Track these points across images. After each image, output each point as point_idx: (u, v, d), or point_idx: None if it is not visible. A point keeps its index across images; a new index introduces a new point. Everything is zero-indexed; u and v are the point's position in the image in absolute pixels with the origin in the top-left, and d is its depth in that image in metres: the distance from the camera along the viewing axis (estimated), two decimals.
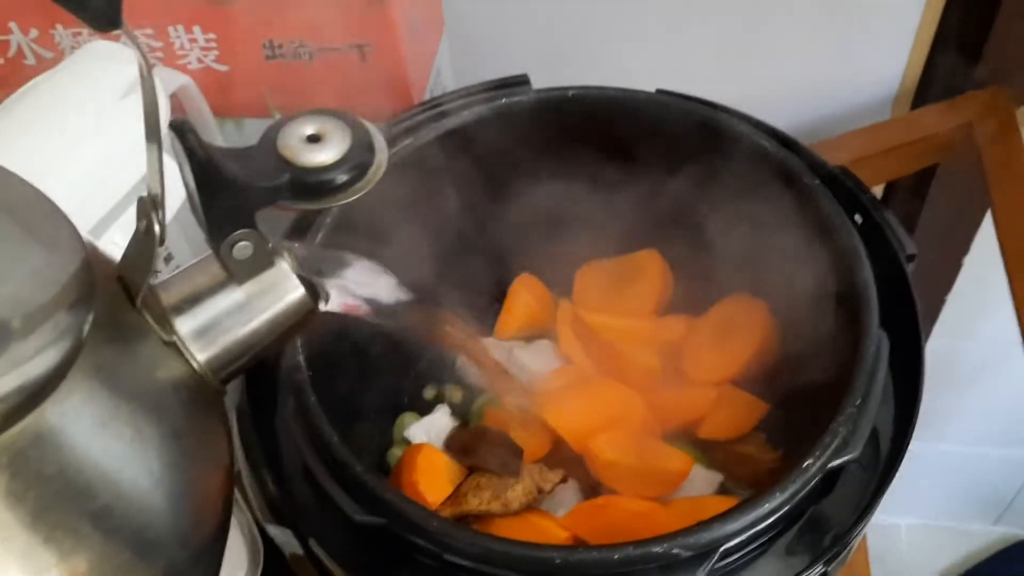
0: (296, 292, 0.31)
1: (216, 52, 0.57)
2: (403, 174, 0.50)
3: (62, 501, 0.24)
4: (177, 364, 0.29)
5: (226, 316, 0.30)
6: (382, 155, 0.31)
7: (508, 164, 0.54)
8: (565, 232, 0.58)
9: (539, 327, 0.59)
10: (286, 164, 0.29)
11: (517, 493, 0.49)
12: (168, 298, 0.30)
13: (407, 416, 0.56)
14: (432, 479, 0.50)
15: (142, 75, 0.27)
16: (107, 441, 0.26)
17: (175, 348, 0.29)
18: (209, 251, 0.30)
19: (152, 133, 0.28)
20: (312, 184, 0.29)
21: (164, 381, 0.29)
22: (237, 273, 0.30)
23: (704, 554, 0.36)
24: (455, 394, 0.59)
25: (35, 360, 0.23)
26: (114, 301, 0.28)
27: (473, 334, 0.52)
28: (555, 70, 0.56)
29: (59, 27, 0.58)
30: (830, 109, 0.71)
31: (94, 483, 0.25)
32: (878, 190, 0.76)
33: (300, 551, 0.43)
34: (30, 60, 0.60)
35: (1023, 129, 0.67)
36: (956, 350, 0.92)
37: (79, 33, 0.58)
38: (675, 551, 0.36)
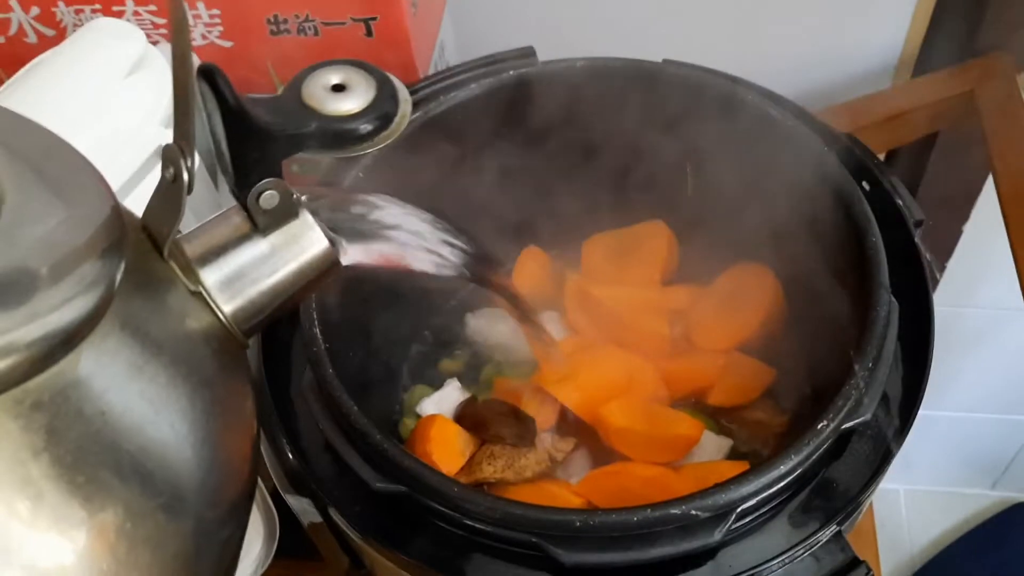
0: (320, 243, 0.31)
1: (220, 28, 0.57)
2: (411, 148, 0.50)
3: (93, 453, 0.24)
4: (204, 315, 0.29)
5: (251, 267, 0.30)
6: (406, 106, 0.31)
7: (514, 137, 0.54)
8: (571, 204, 0.58)
9: (545, 299, 0.60)
10: (312, 113, 0.29)
11: (530, 462, 0.49)
12: (192, 250, 0.29)
13: (419, 388, 0.57)
14: (445, 450, 0.50)
15: (174, 9, 0.27)
16: (138, 391, 0.25)
17: (201, 299, 0.29)
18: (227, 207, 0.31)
19: (183, 73, 0.27)
20: (338, 132, 0.30)
21: (192, 331, 0.28)
22: (262, 223, 0.30)
23: (721, 515, 0.37)
24: (457, 364, 0.59)
25: (64, 308, 0.23)
26: (140, 252, 0.28)
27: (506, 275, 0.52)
28: (559, 43, 0.56)
29: (60, 4, 0.58)
30: (831, 78, 0.71)
31: (124, 435, 0.25)
32: (879, 158, 0.76)
33: (319, 519, 0.43)
34: (32, 39, 0.60)
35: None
36: (956, 317, 0.93)
37: (81, 10, 0.58)
38: (693, 512, 0.36)
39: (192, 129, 0.27)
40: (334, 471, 0.42)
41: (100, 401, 0.24)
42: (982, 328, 0.95)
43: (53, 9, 0.58)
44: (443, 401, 0.55)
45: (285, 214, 0.30)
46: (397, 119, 0.31)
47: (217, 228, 0.30)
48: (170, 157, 0.28)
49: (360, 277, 0.47)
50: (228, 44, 0.58)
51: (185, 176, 0.27)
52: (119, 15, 0.58)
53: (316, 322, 0.43)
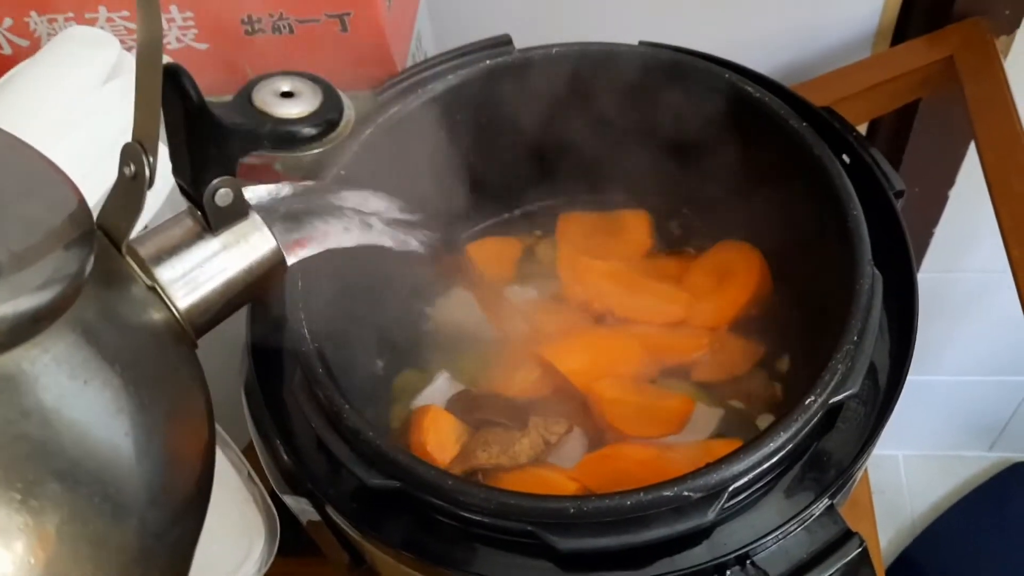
0: (268, 243, 0.33)
1: (195, 31, 0.57)
2: (391, 141, 0.50)
3: (32, 450, 0.23)
4: (158, 312, 0.30)
5: (204, 265, 0.31)
6: (350, 112, 0.33)
7: (496, 125, 0.54)
8: (551, 187, 0.58)
9: (508, 275, 0.60)
10: (264, 116, 0.31)
11: (524, 446, 0.50)
12: (146, 251, 0.31)
13: (407, 374, 0.56)
14: (439, 439, 0.50)
15: (141, 6, 0.27)
16: (87, 389, 0.25)
17: (156, 295, 0.30)
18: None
19: (149, 72, 0.28)
20: (288, 134, 0.32)
21: (145, 329, 0.29)
22: (214, 222, 0.31)
23: (713, 495, 0.37)
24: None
25: (23, 298, 0.23)
26: (100, 251, 0.29)
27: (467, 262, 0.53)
28: (534, 29, 0.56)
29: (33, 14, 0.57)
30: (811, 50, 0.71)
31: (68, 432, 0.24)
32: (862, 128, 0.76)
33: (317, 518, 0.44)
34: (6, 50, 0.60)
35: (1003, 59, 0.67)
36: (945, 282, 0.94)
37: (54, 19, 0.58)
38: (685, 493, 0.37)
39: (156, 127, 0.28)
40: (329, 469, 0.42)
41: (46, 397, 0.24)
42: (973, 292, 0.95)
43: (26, 19, 0.58)
44: (435, 393, 0.56)
45: (236, 213, 0.32)
46: (343, 124, 0.33)
47: (169, 230, 0.32)
48: (131, 155, 0.29)
49: (342, 271, 0.47)
50: (203, 47, 0.57)
51: (147, 172, 0.28)
52: (92, 23, 0.57)
53: (304, 321, 0.43)
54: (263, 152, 0.32)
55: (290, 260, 0.34)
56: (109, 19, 0.57)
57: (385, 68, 0.58)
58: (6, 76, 0.53)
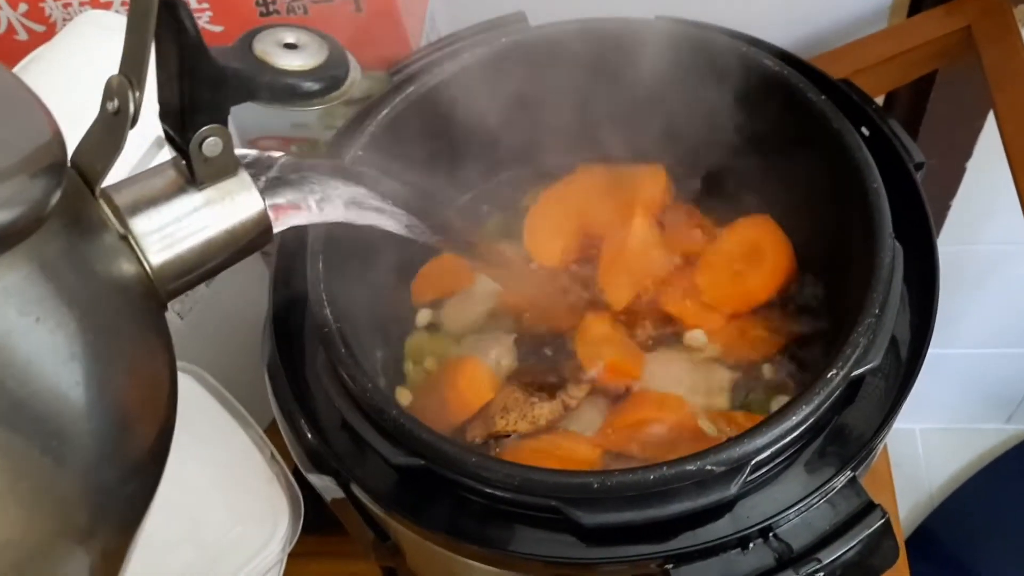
0: (255, 205, 0.30)
1: (210, 13, 0.57)
2: (406, 122, 0.50)
3: None
4: (127, 264, 0.28)
5: (183, 220, 0.29)
6: (355, 73, 0.31)
7: (509, 104, 0.54)
8: (568, 166, 0.58)
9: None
10: (264, 65, 0.29)
11: (544, 411, 0.50)
12: (122, 199, 0.28)
13: (416, 337, 0.56)
14: (476, 386, 0.51)
15: None
16: (40, 329, 0.24)
17: (128, 246, 0.28)
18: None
19: (143, 1, 0.26)
20: (288, 86, 0.30)
21: (111, 279, 0.27)
22: (200, 174, 0.29)
23: (736, 469, 0.37)
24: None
25: None
26: (69, 189, 0.27)
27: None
28: (549, 6, 0.56)
29: (48, 0, 0.58)
30: (827, 22, 0.71)
31: (8, 371, 0.23)
32: (879, 100, 0.75)
33: (342, 496, 0.44)
34: (22, 35, 0.60)
35: (1022, 28, 0.66)
36: (963, 255, 0.93)
37: (69, 4, 0.58)
38: (708, 467, 0.37)
39: (146, 60, 0.26)
40: (353, 448, 0.42)
41: None
42: (990, 264, 0.95)
43: (41, 5, 0.58)
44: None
45: (224, 168, 0.30)
46: (347, 83, 0.31)
47: (150, 179, 0.29)
48: (116, 89, 0.27)
49: (356, 249, 0.47)
50: (219, 29, 0.58)
51: (131, 108, 0.26)
52: (107, 7, 0.58)
53: (326, 303, 0.43)
54: (260, 103, 0.30)
55: (277, 227, 0.32)
56: (124, 2, 0.57)
57: (400, 48, 0.58)
58: (23, 62, 0.53)
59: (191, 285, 0.30)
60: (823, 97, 0.47)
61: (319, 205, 0.34)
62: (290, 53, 0.30)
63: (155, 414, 0.28)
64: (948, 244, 0.89)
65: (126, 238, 0.28)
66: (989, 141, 0.75)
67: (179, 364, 0.55)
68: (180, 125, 0.28)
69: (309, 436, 0.43)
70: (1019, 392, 1.14)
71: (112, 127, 0.27)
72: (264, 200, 0.31)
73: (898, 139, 0.47)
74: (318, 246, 0.45)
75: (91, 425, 0.25)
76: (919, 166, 0.47)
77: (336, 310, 0.43)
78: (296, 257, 0.47)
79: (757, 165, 0.50)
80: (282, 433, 0.45)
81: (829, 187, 0.47)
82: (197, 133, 0.28)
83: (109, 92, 0.27)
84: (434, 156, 0.52)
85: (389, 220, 0.38)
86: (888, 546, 0.38)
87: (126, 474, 0.26)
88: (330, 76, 0.30)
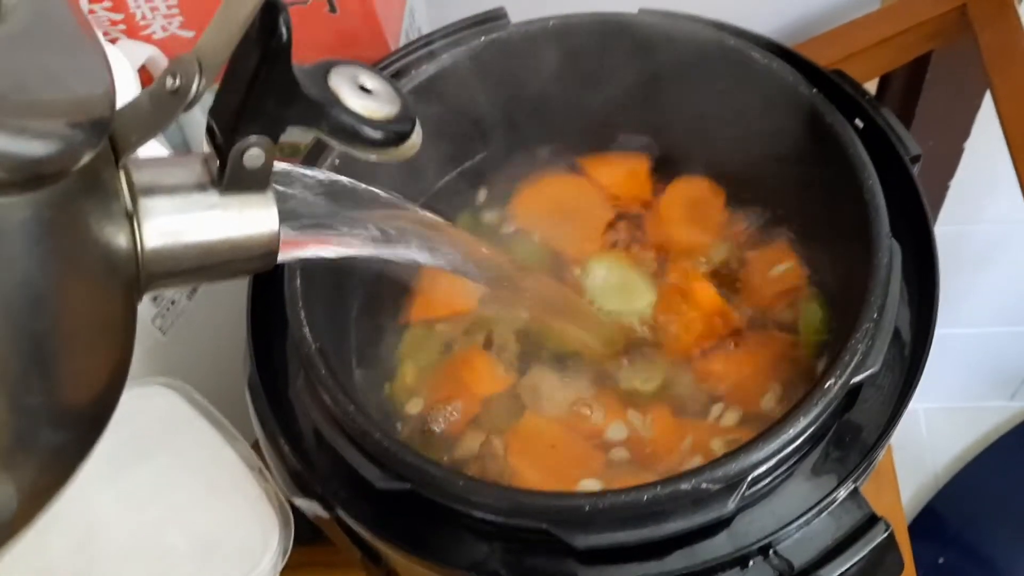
0: (271, 225, 0.29)
1: (180, 18, 0.55)
2: None
3: None
4: (123, 239, 0.27)
5: (192, 214, 0.28)
6: (417, 137, 0.30)
7: (491, 102, 0.52)
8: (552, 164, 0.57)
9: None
10: (335, 98, 0.29)
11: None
12: (140, 177, 0.27)
13: (412, 331, 0.55)
14: (481, 376, 0.50)
15: None
16: (15, 266, 0.23)
17: (129, 223, 0.27)
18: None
19: None
20: (353, 128, 0.29)
21: (102, 246, 0.26)
22: (229, 178, 0.28)
23: (733, 485, 0.36)
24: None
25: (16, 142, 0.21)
26: (103, 149, 0.26)
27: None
28: (529, 2, 0.54)
29: None
30: (817, 5, 0.69)
31: None
32: (873, 83, 0.74)
33: (328, 516, 0.43)
34: None
35: (1018, 5, 0.65)
36: (963, 235, 0.92)
37: None
38: (704, 486, 0.35)
39: (227, 52, 0.25)
40: (338, 471, 0.41)
41: None
42: (991, 243, 0.94)
43: None
44: None
45: (255, 182, 0.29)
46: (407, 144, 0.30)
47: (174, 166, 0.29)
48: (183, 68, 0.26)
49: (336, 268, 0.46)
50: (190, 34, 0.56)
51: (192, 93, 0.25)
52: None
53: (305, 323, 0.42)
54: (318, 133, 0.29)
55: (282, 256, 0.31)
56: (91, 11, 0.55)
57: (378, 48, 0.56)
58: None
59: (174, 284, 0.29)
60: (814, 91, 0.45)
61: (338, 245, 0.33)
62: (362, 95, 0.29)
63: (93, 391, 0.27)
64: (948, 224, 0.88)
65: (132, 216, 0.27)
66: (987, 121, 0.73)
67: (165, 380, 0.54)
68: (232, 126, 0.27)
69: (291, 457, 0.42)
70: (1022, 369, 1.13)
71: (164, 104, 0.26)
72: (280, 227, 0.30)
73: (893, 131, 0.45)
74: (295, 262, 0.43)
75: (24, 346, 0.23)
76: (915, 159, 0.45)
77: (315, 330, 0.41)
78: (273, 271, 0.45)
79: (747, 161, 0.48)
80: (264, 455, 0.44)
81: (822, 184, 0.45)
82: (244, 139, 0.27)
83: (175, 68, 0.26)
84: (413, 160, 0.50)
85: (425, 255, 0.37)
86: (892, 560, 0.37)
87: (55, 420, 0.25)
88: (394, 132, 0.30)
